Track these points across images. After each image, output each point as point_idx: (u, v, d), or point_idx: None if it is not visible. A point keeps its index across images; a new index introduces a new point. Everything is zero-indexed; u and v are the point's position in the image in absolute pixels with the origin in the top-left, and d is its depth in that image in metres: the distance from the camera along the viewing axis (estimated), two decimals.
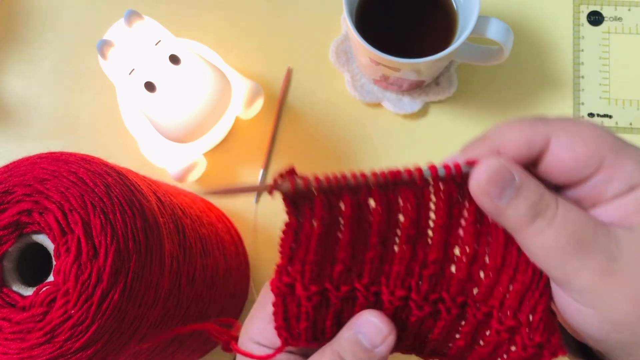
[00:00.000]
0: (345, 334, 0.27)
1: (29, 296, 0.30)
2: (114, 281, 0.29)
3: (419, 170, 0.25)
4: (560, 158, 0.24)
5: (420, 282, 0.27)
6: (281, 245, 0.27)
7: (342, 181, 0.25)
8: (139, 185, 0.33)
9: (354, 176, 0.25)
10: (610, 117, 0.56)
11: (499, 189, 0.24)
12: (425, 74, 0.51)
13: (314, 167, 0.55)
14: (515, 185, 0.24)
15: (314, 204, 0.26)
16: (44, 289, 0.30)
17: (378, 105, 0.57)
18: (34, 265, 0.32)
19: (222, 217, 0.52)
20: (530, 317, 0.26)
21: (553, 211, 0.23)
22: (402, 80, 0.52)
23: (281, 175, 0.25)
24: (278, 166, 0.55)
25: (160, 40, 0.43)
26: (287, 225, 0.26)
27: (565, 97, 0.57)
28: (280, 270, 0.27)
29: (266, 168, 0.55)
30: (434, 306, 0.28)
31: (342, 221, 0.26)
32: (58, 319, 0.29)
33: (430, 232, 0.27)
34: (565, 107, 0.56)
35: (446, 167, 0.25)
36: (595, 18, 0.58)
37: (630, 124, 0.56)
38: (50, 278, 0.30)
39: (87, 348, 0.29)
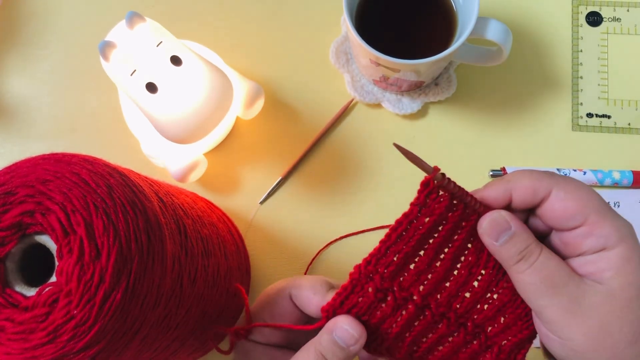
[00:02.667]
0: (325, 337, 0.32)
1: (32, 297, 0.30)
2: (116, 282, 0.30)
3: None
4: (554, 208, 0.31)
5: (459, 305, 0.33)
6: (392, 229, 0.32)
7: (466, 196, 0.32)
8: (140, 186, 0.33)
9: (472, 197, 0.32)
10: (608, 117, 0.56)
11: (495, 233, 0.31)
12: (424, 74, 0.52)
13: (313, 167, 0.56)
14: (509, 233, 0.31)
15: (442, 201, 0.32)
16: (47, 289, 0.30)
17: (378, 105, 0.57)
18: (37, 266, 0.32)
19: (223, 217, 0.52)
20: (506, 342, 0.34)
21: (535, 257, 0.30)
22: (401, 81, 0.52)
23: (437, 170, 0.31)
24: (280, 167, 0.55)
25: (161, 42, 0.43)
26: (405, 215, 0.32)
27: (564, 98, 0.57)
28: (371, 259, 0.32)
29: (285, 177, 0.55)
30: (457, 327, 0.33)
31: (443, 227, 0.32)
32: (61, 319, 0.29)
33: (483, 271, 0.33)
34: (564, 107, 0.57)
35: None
36: (594, 19, 0.59)
37: (629, 124, 0.56)
38: (53, 279, 0.30)
39: (90, 348, 0.29)
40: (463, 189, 0.32)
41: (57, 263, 0.30)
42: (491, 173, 0.55)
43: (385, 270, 0.32)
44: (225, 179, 0.56)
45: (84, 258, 0.29)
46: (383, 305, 0.33)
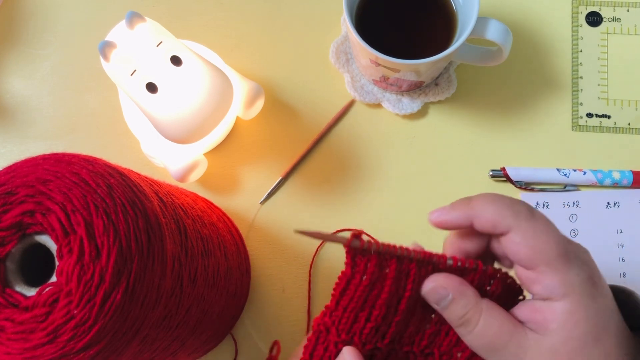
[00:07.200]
0: None
1: (32, 297, 0.30)
2: (116, 282, 0.30)
3: (444, 257, 0.33)
4: (508, 247, 0.31)
5: (422, 339, 0.34)
6: (334, 290, 0.33)
7: (393, 249, 0.32)
8: (141, 186, 0.33)
9: (402, 248, 0.32)
10: (608, 117, 0.56)
11: (435, 300, 0.32)
12: (424, 74, 0.52)
13: (313, 167, 0.56)
14: (448, 300, 0.32)
15: (370, 261, 0.32)
16: (47, 289, 0.30)
17: (378, 105, 0.57)
18: (37, 266, 0.32)
19: (223, 217, 0.52)
20: None
21: (473, 325, 0.31)
22: (401, 81, 0.52)
23: (354, 235, 0.32)
24: (280, 167, 0.55)
25: (161, 42, 0.43)
26: (343, 274, 0.32)
27: (564, 98, 0.57)
28: (327, 311, 0.33)
29: (285, 177, 0.55)
30: (424, 357, 0.34)
31: (384, 283, 0.32)
32: (61, 319, 0.29)
33: None
34: (563, 107, 0.57)
35: (454, 259, 0.33)
36: (594, 19, 0.59)
37: (629, 124, 0.56)
38: (53, 279, 0.30)
39: (90, 348, 0.29)
40: (390, 245, 0.32)
41: (57, 263, 0.30)
42: (491, 173, 0.55)
43: (339, 324, 0.33)
44: (225, 179, 0.56)
45: (84, 258, 0.29)
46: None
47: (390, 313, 0.33)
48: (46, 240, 0.31)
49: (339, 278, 0.33)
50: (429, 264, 0.32)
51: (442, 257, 0.33)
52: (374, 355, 0.33)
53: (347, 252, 0.32)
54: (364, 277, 0.32)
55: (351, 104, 0.57)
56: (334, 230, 0.54)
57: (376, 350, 0.33)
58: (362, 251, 0.32)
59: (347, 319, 0.32)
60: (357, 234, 0.32)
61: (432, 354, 0.34)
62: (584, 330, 0.30)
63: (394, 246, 0.32)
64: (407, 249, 0.32)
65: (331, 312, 0.33)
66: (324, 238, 0.33)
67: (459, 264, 0.33)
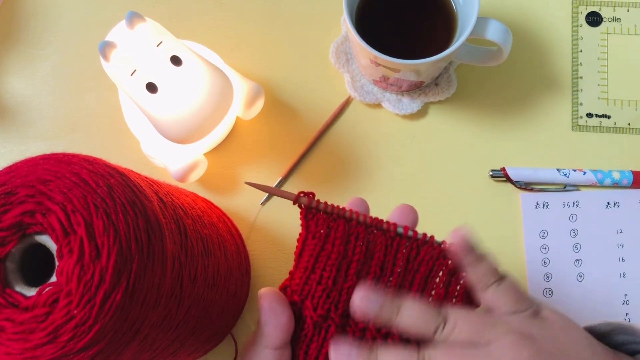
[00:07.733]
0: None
1: (32, 297, 0.30)
2: (116, 282, 0.30)
3: (395, 225, 0.33)
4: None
5: None
6: (295, 252, 0.34)
7: (341, 211, 0.33)
8: (141, 186, 0.33)
9: (350, 211, 0.33)
10: (608, 117, 0.56)
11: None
12: (424, 74, 0.52)
13: (313, 167, 0.56)
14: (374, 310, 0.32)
15: (318, 220, 0.33)
16: (47, 289, 0.30)
17: (378, 105, 0.57)
18: (37, 266, 0.32)
19: (223, 217, 0.52)
20: None
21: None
22: (401, 81, 0.52)
23: (302, 193, 0.33)
24: (280, 167, 0.55)
25: (161, 42, 0.43)
26: (300, 235, 0.34)
27: (564, 98, 0.57)
28: (289, 275, 0.34)
29: (285, 177, 0.55)
30: (383, 337, 0.33)
31: (334, 244, 0.33)
32: (61, 319, 0.29)
33: (390, 277, 0.34)
34: (564, 107, 0.57)
35: (405, 228, 0.33)
36: (594, 19, 0.59)
37: (629, 124, 0.56)
38: (53, 279, 0.30)
39: (90, 348, 0.29)
40: (337, 207, 0.33)
41: (57, 263, 0.30)
42: (491, 173, 0.55)
43: (295, 286, 0.33)
44: (225, 179, 0.56)
45: (84, 258, 0.29)
46: (306, 323, 0.33)
47: (341, 277, 0.33)
48: (46, 240, 0.31)
49: (297, 239, 0.34)
50: (379, 229, 0.33)
51: (392, 225, 0.33)
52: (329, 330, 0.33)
53: (300, 213, 0.33)
54: (315, 240, 0.33)
55: (348, 101, 0.57)
56: None
57: (332, 324, 0.33)
58: (309, 209, 0.33)
59: (299, 279, 0.33)
60: (306, 193, 0.33)
61: (392, 335, 0.33)
62: None
63: (343, 208, 0.33)
64: (356, 212, 0.33)
65: (292, 275, 0.34)
66: (272, 192, 0.34)
67: (410, 233, 0.33)
